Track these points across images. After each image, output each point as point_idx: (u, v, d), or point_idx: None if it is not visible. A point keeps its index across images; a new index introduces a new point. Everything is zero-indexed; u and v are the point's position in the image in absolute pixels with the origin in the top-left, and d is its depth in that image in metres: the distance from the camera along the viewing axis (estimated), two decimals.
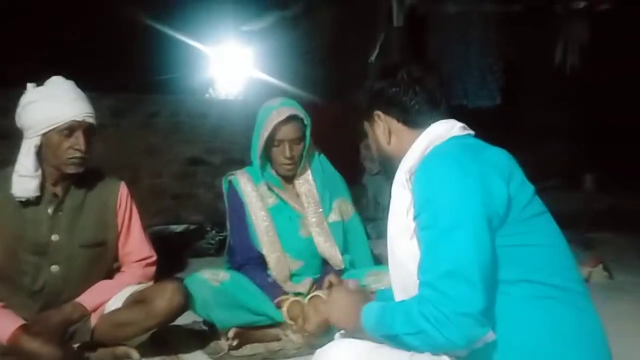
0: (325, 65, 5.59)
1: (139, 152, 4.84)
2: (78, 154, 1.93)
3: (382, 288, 1.68)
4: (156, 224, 4.08)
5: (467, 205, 1.09)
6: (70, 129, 1.92)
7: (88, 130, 1.96)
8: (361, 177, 5.29)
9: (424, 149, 1.24)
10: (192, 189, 5.09)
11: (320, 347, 1.29)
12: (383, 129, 1.35)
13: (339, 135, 4.91)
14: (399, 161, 1.29)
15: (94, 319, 1.99)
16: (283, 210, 2.35)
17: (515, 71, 4.80)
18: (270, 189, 2.35)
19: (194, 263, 3.50)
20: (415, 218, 1.17)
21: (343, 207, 2.44)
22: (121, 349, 1.99)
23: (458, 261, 1.06)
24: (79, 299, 1.99)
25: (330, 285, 1.71)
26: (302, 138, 2.30)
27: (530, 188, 1.20)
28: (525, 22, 4.74)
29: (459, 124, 1.30)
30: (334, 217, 2.39)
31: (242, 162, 4.19)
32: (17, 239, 1.94)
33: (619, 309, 2.57)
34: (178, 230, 4.15)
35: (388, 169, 1.37)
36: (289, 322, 2.11)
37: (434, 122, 1.29)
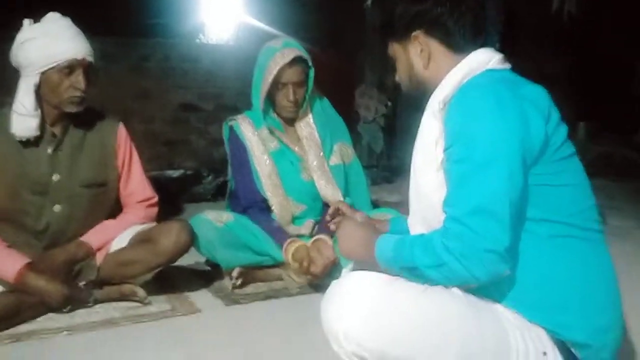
0: (319, 10, 5.46)
1: (131, 97, 4.76)
2: (78, 93, 1.90)
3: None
4: (150, 170, 4.06)
5: (504, 141, 1.06)
6: (70, 68, 1.88)
7: (88, 68, 1.92)
8: (355, 125, 5.28)
9: (462, 77, 1.18)
10: (185, 135, 5.05)
11: (323, 286, 1.27)
12: (421, 51, 1.26)
13: (333, 83, 4.87)
14: (432, 89, 1.24)
15: (99, 258, 2.00)
16: (285, 155, 2.35)
17: (513, 18, 4.75)
18: (271, 132, 2.34)
19: (191, 208, 3.52)
20: (445, 150, 1.13)
21: (344, 150, 2.45)
22: (127, 287, 2.02)
23: (489, 198, 1.04)
24: (83, 237, 1.99)
25: (337, 211, 1.60)
26: (305, 81, 2.28)
27: (564, 129, 1.17)
28: None
29: (498, 55, 1.23)
30: (335, 160, 2.40)
31: (234, 108, 4.16)
32: (19, 179, 1.92)
33: (614, 253, 2.65)
34: (175, 176, 4.15)
35: (416, 96, 1.31)
36: (294, 264, 2.14)
37: (475, 49, 1.23)
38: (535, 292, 1.12)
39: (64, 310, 1.91)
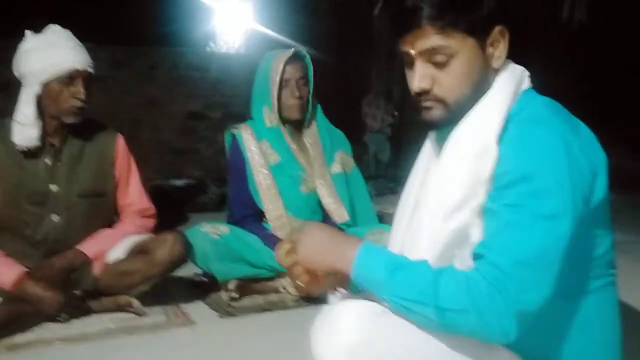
0: (327, 18, 5.48)
1: (139, 106, 4.82)
2: (78, 103, 1.92)
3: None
4: (157, 178, 4.10)
5: (571, 196, 0.93)
6: (71, 78, 1.91)
7: (88, 79, 1.95)
8: (362, 135, 5.29)
9: (511, 99, 1.01)
10: (193, 143, 5.08)
11: (319, 300, 1.17)
12: (501, 51, 1.03)
13: (340, 92, 4.87)
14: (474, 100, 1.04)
15: (96, 268, 2.01)
16: (284, 168, 2.35)
17: (520, 26, 4.72)
18: (273, 145, 2.35)
19: (195, 218, 3.53)
20: (496, 189, 0.96)
21: (345, 159, 2.45)
22: (123, 298, 2.03)
23: (543, 253, 0.92)
24: (79, 246, 2.01)
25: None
26: (307, 79, 2.32)
27: (606, 177, 1.03)
28: None
29: (521, 67, 1.08)
30: (336, 168, 2.41)
31: (242, 116, 4.17)
32: (17, 189, 1.94)
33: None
34: (179, 185, 4.17)
35: (457, 114, 1.05)
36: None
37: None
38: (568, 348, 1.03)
39: (59, 318, 1.92)
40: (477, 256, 0.95)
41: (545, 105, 1.02)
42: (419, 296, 0.93)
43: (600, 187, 0.99)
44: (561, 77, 5.06)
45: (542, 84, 1.18)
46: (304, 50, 2.35)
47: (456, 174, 1.00)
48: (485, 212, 0.98)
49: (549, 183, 0.92)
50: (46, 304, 1.88)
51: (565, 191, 0.92)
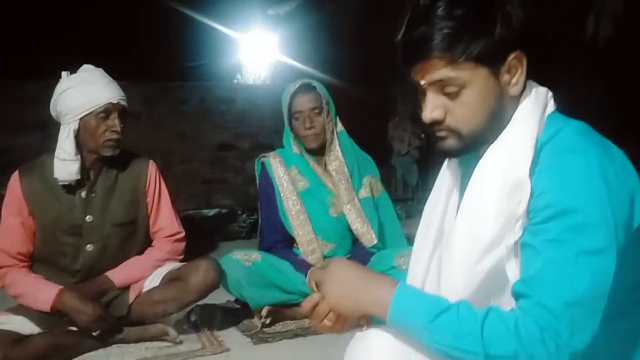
0: (351, 47, 5.56)
1: (170, 139, 4.94)
2: (114, 136, 2.01)
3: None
4: (188, 209, 4.18)
5: (615, 228, 0.89)
6: (106, 112, 1.99)
7: (122, 112, 2.04)
8: (389, 159, 5.29)
9: (539, 122, 0.97)
10: (222, 173, 5.17)
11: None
12: (518, 77, 0.97)
13: (366, 117, 4.91)
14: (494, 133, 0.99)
15: (132, 295, 2.07)
16: (313, 193, 2.39)
17: (541, 47, 4.69)
18: (301, 171, 2.39)
19: (226, 246, 3.58)
20: (534, 224, 0.92)
21: (373, 184, 2.47)
22: (158, 327, 2.07)
23: (593, 291, 0.88)
24: (108, 273, 2.08)
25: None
26: (321, 109, 2.34)
27: None
28: None
29: (544, 88, 1.03)
30: (364, 193, 2.42)
31: (270, 146, 4.23)
32: (55, 222, 2.03)
33: None
34: (210, 215, 4.24)
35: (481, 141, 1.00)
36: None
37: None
38: None
39: (95, 334, 1.97)
40: (520, 295, 0.91)
41: (576, 132, 0.96)
42: (465, 344, 0.88)
43: (639, 212, 0.94)
44: (589, 95, 5.00)
45: (569, 104, 1.15)
46: (313, 82, 2.37)
47: (488, 211, 0.96)
48: (523, 248, 0.93)
49: (592, 216, 0.88)
50: (85, 315, 1.93)
51: (608, 223, 0.89)
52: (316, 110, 2.33)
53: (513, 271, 0.96)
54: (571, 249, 0.88)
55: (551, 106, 1.01)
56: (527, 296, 0.89)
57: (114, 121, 2.00)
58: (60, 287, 1.98)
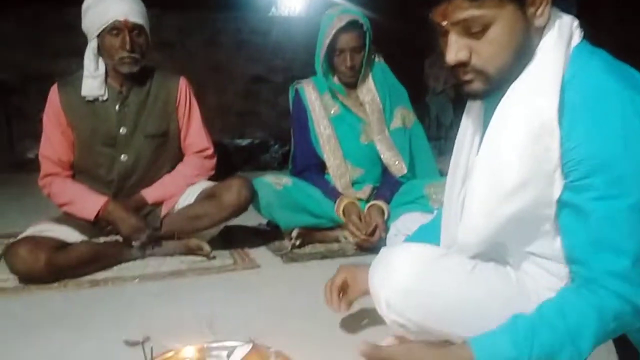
0: None
1: (205, 70, 4.96)
2: (125, 54, 2.02)
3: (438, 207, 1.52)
4: (222, 140, 4.24)
5: None
6: (116, 29, 2.01)
7: (134, 29, 2.03)
8: (424, 96, 5.21)
9: (564, 56, 0.92)
10: (256, 106, 5.19)
11: (378, 249, 1.21)
12: (544, 8, 0.92)
13: (401, 53, 4.80)
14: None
15: (164, 210, 2.18)
16: (345, 119, 2.39)
17: None
18: (334, 97, 2.39)
19: (258, 175, 3.63)
20: (573, 180, 0.89)
21: (405, 114, 2.45)
22: (193, 241, 2.16)
23: None
24: (142, 192, 2.17)
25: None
26: (362, 46, 2.29)
27: None
28: None
29: (569, 16, 0.98)
30: (396, 123, 2.41)
31: (303, 79, 4.21)
32: (92, 134, 2.11)
33: None
34: (243, 144, 4.29)
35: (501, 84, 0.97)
36: (342, 218, 2.20)
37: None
38: None
39: (135, 243, 2.08)
40: (581, 263, 0.91)
41: (604, 70, 0.90)
42: (562, 356, 0.87)
43: None
44: (619, 23, 4.75)
45: (613, 45, 1.07)
46: (360, 18, 2.27)
47: (510, 155, 0.93)
48: (565, 206, 0.91)
49: (635, 166, 0.85)
50: (128, 225, 2.05)
51: None
52: (358, 49, 2.28)
53: (549, 227, 0.95)
54: (621, 204, 0.85)
55: (577, 36, 0.95)
56: (589, 266, 0.89)
57: (124, 38, 2.01)
58: (106, 197, 2.08)
